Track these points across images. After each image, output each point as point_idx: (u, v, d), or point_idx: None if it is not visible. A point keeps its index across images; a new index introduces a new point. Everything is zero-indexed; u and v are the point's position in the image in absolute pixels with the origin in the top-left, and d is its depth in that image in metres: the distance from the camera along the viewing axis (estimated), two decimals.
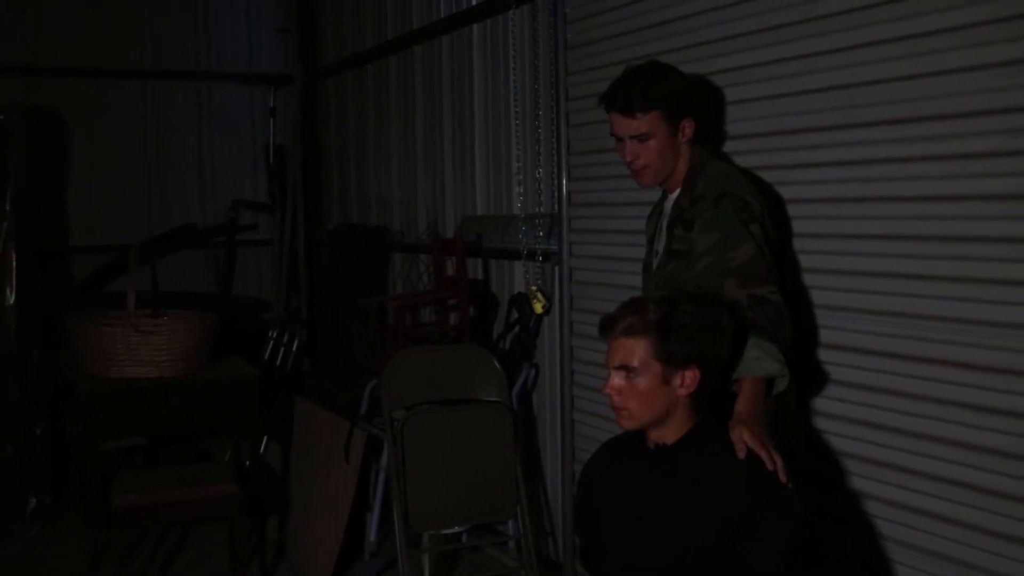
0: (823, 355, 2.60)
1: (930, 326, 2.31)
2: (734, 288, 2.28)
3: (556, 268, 3.68)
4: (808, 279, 2.63)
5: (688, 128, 2.47)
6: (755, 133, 2.74)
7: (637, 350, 1.97)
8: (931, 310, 2.31)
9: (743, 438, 1.99)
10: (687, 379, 1.97)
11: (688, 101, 2.48)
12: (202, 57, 6.00)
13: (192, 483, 3.71)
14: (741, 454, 1.97)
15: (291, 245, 6.02)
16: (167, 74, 5.85)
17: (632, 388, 1.98)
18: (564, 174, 3.57)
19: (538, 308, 3.77)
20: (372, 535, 3.87)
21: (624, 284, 3.12)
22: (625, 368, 1.99)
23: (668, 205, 2.55)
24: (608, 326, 2.03)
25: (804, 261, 2.62)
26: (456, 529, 3.74)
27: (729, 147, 2.85)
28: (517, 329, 4.02)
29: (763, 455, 1.95)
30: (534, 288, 3.78)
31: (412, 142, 4.94)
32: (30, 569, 4.18)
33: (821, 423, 2.62)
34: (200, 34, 5.98)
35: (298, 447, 4.34)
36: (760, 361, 2.18)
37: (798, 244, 2.65)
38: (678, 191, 2.50)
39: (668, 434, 2.01)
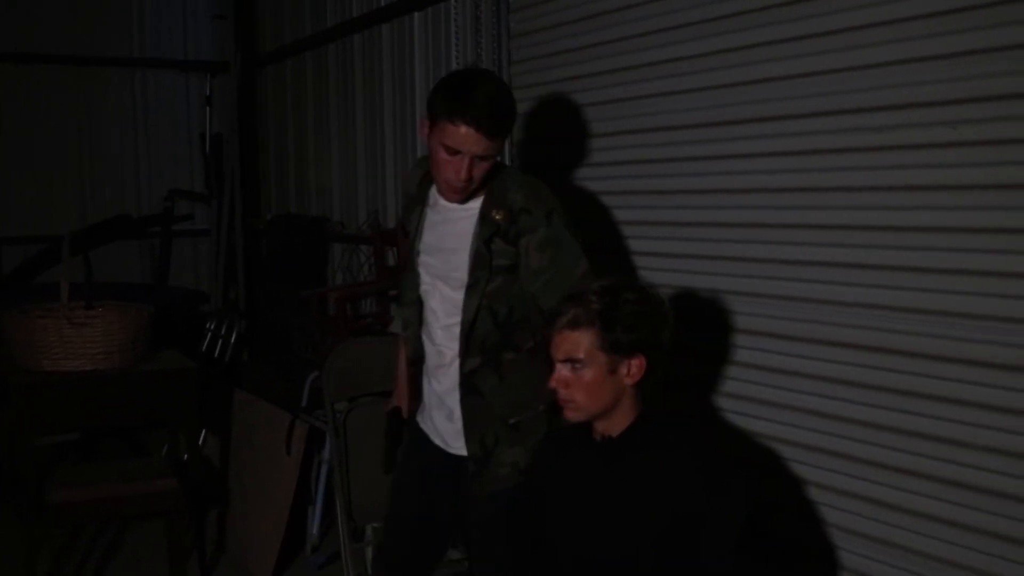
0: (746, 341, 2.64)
1: (856, 312, 2.37)
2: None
3: None
4: (740, 268, 2.66)
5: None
6: (690, 124, 2.76)
7: (582, 342, 1.97)
8: (850, 297, 2.38)
9: None
10: (633, 367, 1.97)
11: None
12: (136, 43, 5.88)
13: (130, 478, 3.63)
14: None
15: (229, 235, 5.94)
16: (101, 60, 5.73)
17: (578, 380, 1.98)
18: (507, 163, 3.55)
19: None
20: (314, 529, 3.84)
21: None
22: (571, 360, 1.99)
23: (453, 212, 2.41)
24: (552, 320, 2.03)
25: (752, 251, 2.64)
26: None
27: (660, 138, 2.87)
28: None
29: None
30: None
31: (352, 132, 4.89)
32: None
33: (759, 410, 2.65)
34: (135, 20, 5.87)
35: (237, 439, 4.28)
36: None
37: (747, 234, 2.68)
38: (478, 201, 2.37)
39: (613, 425, 2.02)
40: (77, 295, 3.90)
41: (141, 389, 3.77)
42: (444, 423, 2.50)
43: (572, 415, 2.02)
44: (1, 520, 4.35)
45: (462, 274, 2.37)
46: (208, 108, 6.03)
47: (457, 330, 2.39)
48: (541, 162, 3.43)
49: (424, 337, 2.53)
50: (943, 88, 2.16)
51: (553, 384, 2.01)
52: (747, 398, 2.68)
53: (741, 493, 1.88)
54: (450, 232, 2.41)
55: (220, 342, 5.27)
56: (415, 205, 2.51)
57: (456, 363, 2.42)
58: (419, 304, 2.53)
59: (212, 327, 5.33)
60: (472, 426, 2.42)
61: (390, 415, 2.73)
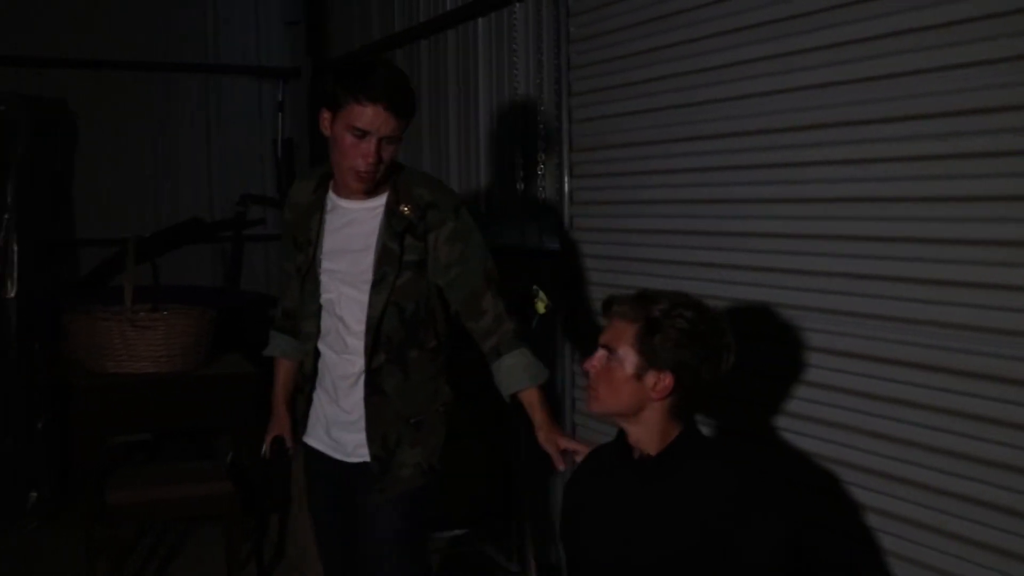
0: (809, 359, 2.53)
1: (924, 331, 2.24)
2: (492, 299, 2.41)
3: (557, 268, 3.61)
4: (798, 281, 2.55)
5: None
6: (750, 131, 2.66)
7: (624, 335, 1.93)
8: (921, 314, 2.25)
9: (558, 444, 2.35)
10: (660, 383, 1.90)
11: None
12: (211, 50, 5.96)
13: (185, 480, 3.66)
14: (559, 464, 2.34)
15: None
16: (176, 67, 5.81)
17: (608, 371, 1.94)
18: (566, 171, 3.50)
19: (540, 308, 3.69)
20: None
21: (625, 284, 3.04)
22: (608, 348, 1.95)
23: (357, 213, 2.40)
24: (609, 304, 2.00)
25: (815, 264, 2.53)
26: (456, 532, 3.69)
27: (719, 145, 2.78)
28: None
29: (579, 448, 2.27)
30: (536, 288, 3.70)
31: (417, 138, 4.87)
32: (29, 562, 4.15)
33: (818, 430, 2.53)
34: (209, 27, 5.95)
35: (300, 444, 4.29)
36: (535, 370, 2.41)
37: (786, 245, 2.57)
38: (382, 198, 2.38)
39: (647, 440, 1.94)
40: (144, 298, 3.96)
41: (201, 392, 3.80)
42: (348, 435, 2.45)
43: (591, 404, 1.99)
44: (68, 518, 4.44)
45: (369, 275, 2.36)
46: (280, 114, 6.08)
47: (364, 337, 2.38)
48: (598, 171, 3.37)
49: (326, 350, 2.47)
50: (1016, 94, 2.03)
51: (586, 366, 1.98)
52: (808, 418, 2.56)
53: (780, 523, 1.79)
54: (357, 233, 2.39)
55: None
56: (312, 213, 2.45)
57: (366, 370, 2.40)
58: (318, 315, 2.46)
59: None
60: (375, 425, 2.40)
61: (274, 445, 2.69)
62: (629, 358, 1.92)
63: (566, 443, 2.37)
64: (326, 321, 2.45)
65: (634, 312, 1.92)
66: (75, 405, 3.78)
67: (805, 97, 2.51)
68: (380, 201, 2.38)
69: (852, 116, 2.38)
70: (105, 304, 3.98)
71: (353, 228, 2.39)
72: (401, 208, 2.34)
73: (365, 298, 2.36)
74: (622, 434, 2.02)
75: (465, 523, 3.58)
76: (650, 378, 1.91)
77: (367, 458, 2.43)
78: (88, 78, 5.57)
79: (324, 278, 2.43)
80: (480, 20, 4.21)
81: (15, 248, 4.58)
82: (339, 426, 2.46)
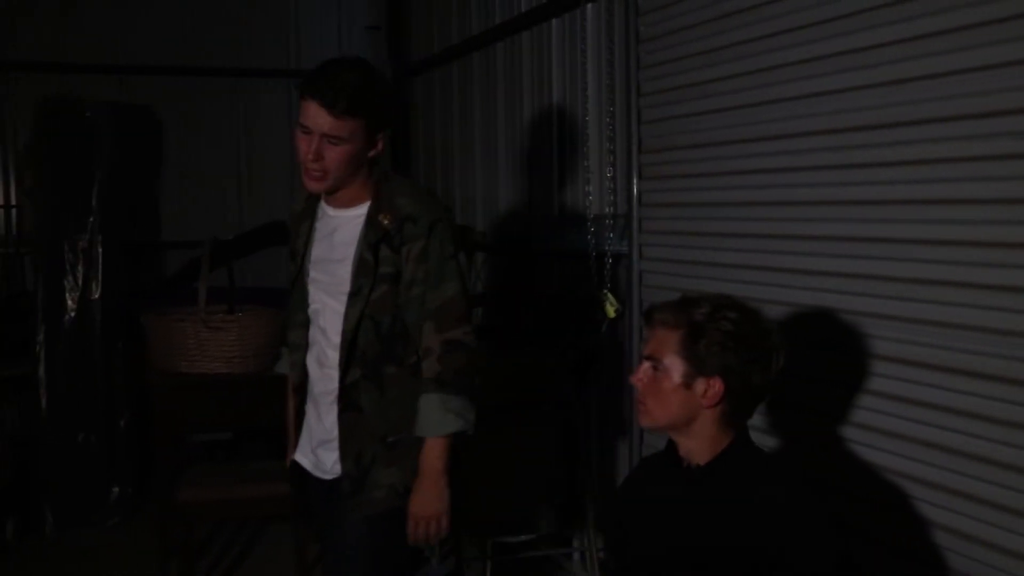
0: (875, 367, 2.42)
1: (998, 340, 2.11)
2: (432, 333, 2.25)
3: (626, 271, 3.54)
4: (871, 287, 2.44)
5: (381, 143, 2.28)
6: (823, 130, 2.56)
7: (667, 344, 1.87)
8: (994, 323, 2.12)
9: (417, 520, 2.26)
10: (710, 390, 1.83)
11: (390, 115, 2.34)
12: (292, 55, 6.03)
13: (254, 480, 3.68)
14: (411, 539, 2.26)
15: None
16: (258, 72, 5.89)
17: (655, 384, 1.88)
18: (635, 173, 3.43)
19: (610, 312, 3.63)
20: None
21: (694, 288, 2.96)
22: (652, 359, 1.88)
23: (341, 220, 2.32)
24: (650, 313, 1.93)
25: (884, 269, 2.42)
26: (523, 537, 3.65)
27: (786, 145, 2.68)
28: (591, 333, 3.89)
29: (420, 535, 2.26)
30: (605, 291, 3.64)
31: (495, 141, 4.85)
32: (109, 557, 4.24)
33: (884, 442, 2.42)
34: (291, 32, 6.02)
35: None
36: (443, 421, 2.23)
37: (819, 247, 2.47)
38: (365, 206, 2.29)
39: (697, 451, 1.87)
40: (222, 300, 4.02)
41: (272, 393, 3.82)
42: (329, 453, 2.36)
43: (642, 419, 1.93)
44: (145, 517, 4.53)
45: (346, 287, 2.28)
46: None
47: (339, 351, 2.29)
48: (667, 172, 3.29)
49: (311, 362, 2.40)
50: None
51: (632, 380, 1.92)
52: (874, 428, 2.45)
53: (830, 542, 1.70)
54: (339, 241, 2.31)
55: None
56: (304, 220, 2.41)
57: (341, 385, 2.30)
58: (306, 326, 2.40)
59: None
60: (348, 442, 2.30)
61: (292, 472, 2.52)
62: (676, 367, 1.85)
63: (423, 530, 2.28)
64: (312, 333, 2.39)
65: (676, 319, 1.86)
66: (151, 404, 3.84)
67: (871, 95, 2.40)
68: (362, 209, 2.30)
69: (921, 114, 2.27)
70: (183, 306, 4.04)
71: (336, 237, 2.33)
72: (380, 218, 2.26)
73: (343, 309, 2.29)
74: (672, 444, 1.95)
75: (531, 528, 3.53)
76: (699, 386, 1.84)
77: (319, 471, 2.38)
78: (172, 84, 5.69)
79: (311, 288, 2.37)
80: (554, 21, 4.16)
81: (100, 250, 4.70)
82: (323, 445, 2.38)
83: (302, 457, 2.46)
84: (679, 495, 1.89)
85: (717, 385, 1.83)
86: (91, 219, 4.69)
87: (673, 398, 1.86)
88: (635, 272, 3.46)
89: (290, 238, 2.49)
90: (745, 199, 2.92)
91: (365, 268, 2.25)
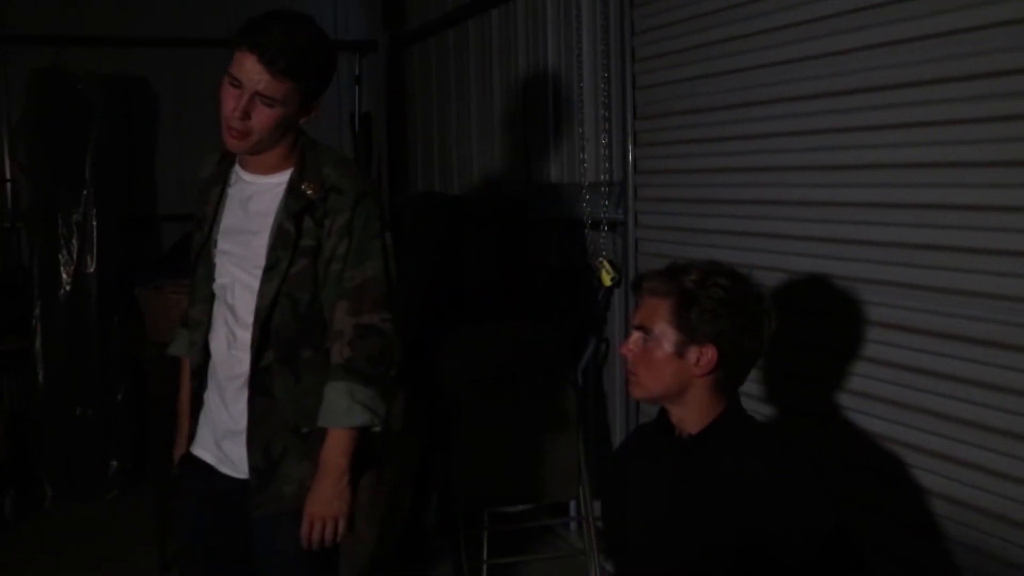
0: (874, 334, 2.39)
1: (998, 305, 2.08)
2: (344, 315, 2.05)
3: (622, 239, 3.51)
4: (868, 252, 2.41)
5: (315, 111, 2.11)
6: (821, 93, 2.52)
7: (658, 313, 1.83)
8: (992, 287, 2.10)
9: (313, 520, 2.02)
10: (703, 358, 1.80)
11: (328, 82, 2.11)
12: None
13: None
14: (304, 542, 2.02)
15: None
16: None
17: (646, 354, 1.84)
18: (630, 140, 3.39)
19: (606, 280, 3.61)
20: (431, 513, 3.78)
21: (691, 255, 2.91)
22: (643, 329, 1.85)
23: (258, 187, 2.12)
24: (639, 283, 1.90)
25: (883, 234, 2.38)
26: (521, 507, 3.64)
27: (784, 109, 2.63)
28: (586, 302, 3.86)
29: (314, 537, 2.02)
30: (601, 260, 3.61)
31: (490, 109, 4.80)
32: (108, 530, 4.25)
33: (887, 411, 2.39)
34: (286, 2, 5.94)
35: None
36: (349, 412, 2.01)
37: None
38: (287, 173, 2.09)
39: (689, 419, 1.85)
40: None
41: None
42: (238, 447, 2.12)
43: (633, 390, 1.89)
44: (144, 490, 4.52)
45: (262, 260, 2.07)
46: (357, 87, 6.05)
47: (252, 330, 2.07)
48: (663, 139, 3.25)
49: (216, 343, 2.15)
50: None
51: (622, 351, 1.88)
52: (873, 396, 2.43)
53: (821, 513, 1.68)
54: (255, 210, 2.10)
55: None
56: (213, 186, 2.19)
57: (253, 370, 2.08)
58: (210, 302, 2.17)
59: None
60: (256, 431, 2.07)
61: (184, 464, 2.25)
62: (667, 336, 1.82)
63: (317, 532, 2.04)
64: (218, 310, 2.15)
65: (666, 287, 1.82)
66: (147, 377, 3.82)
67: (869, 57, 2.36)
68: (284, 177, 2.10)
69: (919, 76, 2.22)
70: (180, 278, 4.01)
71: (252, 205, 2.11)
72: (304, 187, 2.06)
73: (257, 285, 2.07)
74: (664, 413, 1.93)
75: (528, 499, 3.52)
76: (692, 354, 1.82)
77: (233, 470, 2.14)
78: (166, 56, 5.62)
79: (219, 260, 2.15)
80: None
81: (94, 224, 4.67)
82: (230, 436, 2.13)
83: (203, 451, 2.21)
84: (671, 465, 1.87)
85: (710, 353, 1.81)
86: (85, 192, 4.66)
87: (665, 368, 1.83)
88: (631, 240, 3.43)
89: (196, 204, 2.24)
90: (742, 165, 2.88)
91: (284, 240, 2.05)
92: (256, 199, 2.11)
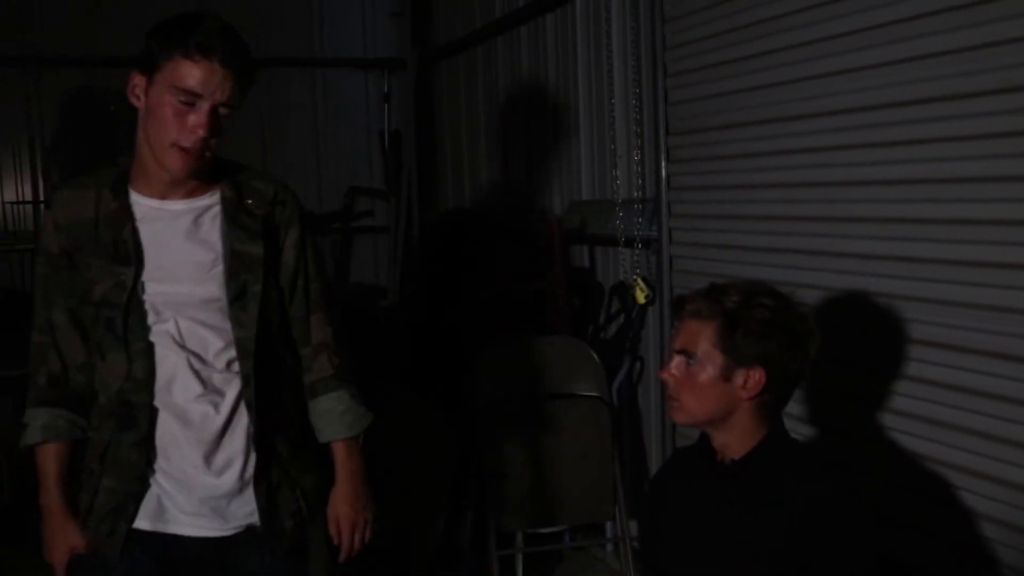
0: (917, 352, 2.33)
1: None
2: (323, 326, 2.00)
3: (656, 256, 3.47)
4: (909, 269, 2.36)
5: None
6: (860, 107, 2.48)
7: (701, 336, 1.79)
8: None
9: (349, 525, 2.01)
10: (750, 380, 1.76)
11: None
12: (316, 43, 5.98)
13: None
14: (345, 552, 2.02)
15: (407, 231, 5.96)
16: (281, 61, 5.85)
17: (689, 378, 1.80)
18: (663, 156, 3.36)
19: (640, 298, 3.57)
20: (465, 533, 3.76)
21: (728, 274, 2.89)
22: (685, 353, 1.80)
23: (189, 214, 1.90)
24: (679, 305, 1.85)
25: (923, 251, 2.33)
26: (557, 528, 3.60)
27: (820, 124, 2.59)
28: (621, 320, 3.83)
29: (353, 545, 2.01)
30: (636, 277, 3.57)
31: (520, 126, 4.78)
32: None
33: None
34: (314, 20, 5.97)
35: (393, 437, 4.27)
36: (361, 417, 2.02)
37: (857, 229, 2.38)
38: (214, 193, 1.91)
39: (733, 443, 1.81)
40: None
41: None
42: (236, 499, 1.93)
43: (676, 416, 1.84)
44: None
45: (220, 290, 1.87)
46: (387, 105, 6.06)
47: (238, 365, 1.89)
48: (696, 155, 3.22)
49: (180, 399, 1.88)
50: None
51: (663, 375, 1.84)
52: (914, 415, 2.38)
53: (865, 541, 1.64)
54: (200, 240, 1.89)
55: (389, 338, 5.28)
56: (117, 226, 1.87)
57: (242, 411, 1.90)
58: (147, 359, 1.87)
59: (382, 322, 5.36)
60: (261, 472, 1.92)
61: (74, 563, 1.94)
62: (712, 359, 1.78)
63: (359, 536, 2.03)
64: (168, 363, 1.87)
65: (709, 309, 1.78)
66: None
67: (906, 70, 2.32)
68: (212, 199, 1.90)
69: (958, 89, 2.18)
70: None
71: (194, 236, 1.89)
72: (250, 204, 1.91)
73: (219, 321, 1.88)
74: (705, 437, 1.89)
75: (563, 519, 3.48)
76: (739, 377, 1.77)
77: (252, 519, 1.94)
78: None
79: (157, 306, 1.87)
80: (578, 2, 4.08)
81: None
82: (225, 494, 1.92)
83: (179, 526, 1.92)
84: (713, 491, 1.83)
85: (758, 375, 1.77)
86: None
87: (711, 392, 1.79)
88: (665, 257, 3.39)
89: (56, 261, 1.91)
90: (778, 180, 2.84)
91: (247, 262, 1.88)
92: (201, 226, 1.90)
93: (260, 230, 1.91)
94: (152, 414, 1.88)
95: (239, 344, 1.89)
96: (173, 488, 1.90)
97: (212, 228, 1.90)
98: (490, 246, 5.10)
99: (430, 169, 6.11)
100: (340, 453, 2.02)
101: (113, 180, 1.90)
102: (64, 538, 1.92)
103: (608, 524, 3.65)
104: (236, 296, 1.88)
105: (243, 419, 1.91)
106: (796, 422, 2.65)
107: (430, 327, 5.40)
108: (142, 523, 1.90)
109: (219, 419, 1.89)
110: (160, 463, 1.90)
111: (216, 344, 1.89)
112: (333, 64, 6.02)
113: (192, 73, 1.77)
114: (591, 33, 3.99)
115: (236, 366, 1.89)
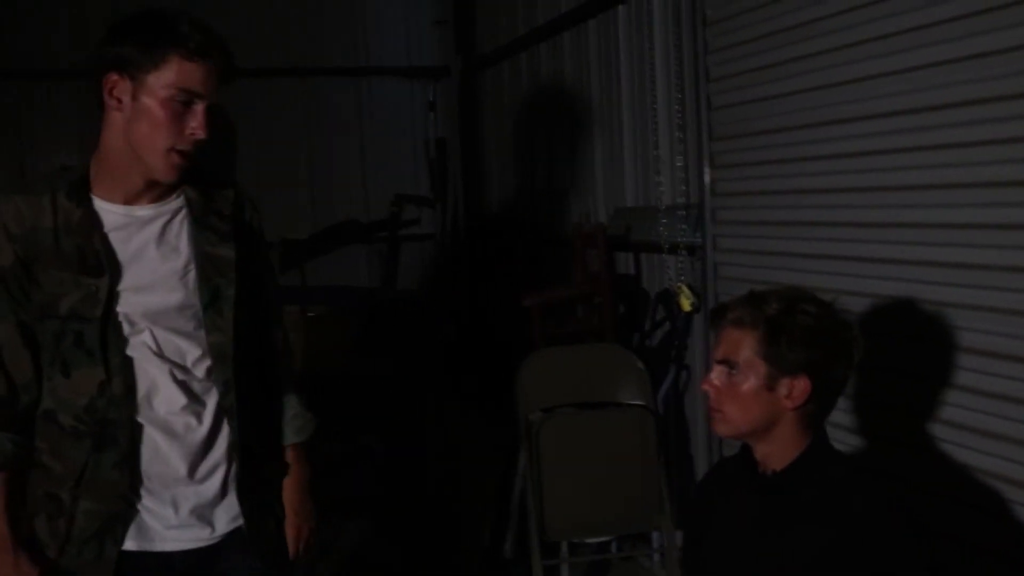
0: (969, 362, 2.26)
1: None
2: (282, 329, 2.01)
3: (700, 263, 3.43)
4: (961, 276, 2.30)
5: None
6: (906, 110, 2.42)
7: (743, 345, 1.74)
8: None
9: (297, 537, 1.99)
10: (795, 389, 1.72)
11: None
12: (361, 52, 6.02)
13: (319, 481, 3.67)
14: (300, 555, 2.00)
15: (453, 239, 5.98)
16: (327, 70, 5.90)
17: (731, 388, 1.75)
18: (706, 161, 3.31)
19: (686, 306, 3.52)
20: (508, 542, 3.74)
21: (773, 280, 2.85)
22: (727, 363, 1.76)
23: (158, 219, 1.82)
24: (719, 314, 1.81)
25: (975, 257, 2.27)
26: (603, 538, 3.57)
27: (866, 127, 2.54)
28: (666, 327, 3.79)
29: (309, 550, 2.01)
30: (681, 284, 3.53)
31: (563, 131, 4.77)
32: None
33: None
34: (359, 29, 6.01)
35: (442, 445, 4.28)
36: (301, 422, 2.01)
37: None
38: (177, 195, 1.83)
39: (775, 454, 1.76)
40: (301, 300, 4.02)
41: (335, 392, 3.81)
42: (220, 505, 1.89)
43: (718, 428, 1.80)
44: None
45: (193, 296, 1.82)
46: (432, 113, 6.09)
47: (216, 372, 1.84)
48: (740, 160, 3.17)
49: (163, 411, 1.82)
50: None
51: (704, 386, 1.79)
52: (966, 426, 2.31)
53: (913, 557, 1.59)
54: (170, 247, 1.82)
55: (436, 345, 5.29)
56: (82, 235, 1.76)
57: (223, 418, 1.87)
58: (124, 374, 1.78)
59: (429, 330, 5.36)
60: (244, 475, 1.89)
61: None
62: (756, 369, 1.74)
63: (302, 544, 2.01)
64: (147, 375, 1.80)
65: (751, 317, 1.74)
66: None
67: (953, 71, 2.25)
68: (178, 202, 1.83)
69: (1007, 90, 2.11)
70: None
71: (162, 242, 1.82)
72: (219, 206, 1.86)
73: (194, 329, 1.83)
74: (747, 448, 1.85)
75: (608, 529, 3.45)
76: (783, 386, 1.73)
77: (237, 523, 1.90)
78: (243, 86, 5.69)
79: (132, 317, 1.79)
80: (620, 7, 4.06)
81: None
82: (210, 501, 1.87)
83: (164, 542, 1.86)
84: (754, 505, 1.79)
85: (802, 384, 1.72)
86: None
87: (754, 402, 1.75)
88: (710, 264, 3.35)
89: (8, 272, 1.75)
90: (823, 185, 2.79)
91: (219, 265, 1.83)
92: (170, 232, 1.83)
93: (230, 231, 1.85)
94: (134, 430, 1.80)
95: (216, 350, 1.84)
96: (157, 505, 1.83)
97: (180, 233, 1.83)
98: (535, 253, 5.09)
99: (475, 176, 6.11)
100: (298, 458, 2.02)
101: (68, 186, 1.78)
102: (21, 567, 1.78)
103: (655, 534, 3.61)
104: (210, 301, 1.83)
105: (225, 426, 1.87)
106: (844, 432, 2.60)
107: (476, 335, 5.41)
108: (128, 544, 1.82)
109: (203, 429, 1.85)
110: (144, 480, 1.82)
111: (193, 352, 1.84)
112: (378, 72, 6.06)
113: (194, 73, 1.71)
114: (634, 38, 3.96)
115: (214, 373, 1.84)
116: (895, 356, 2.44)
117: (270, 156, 5.87)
